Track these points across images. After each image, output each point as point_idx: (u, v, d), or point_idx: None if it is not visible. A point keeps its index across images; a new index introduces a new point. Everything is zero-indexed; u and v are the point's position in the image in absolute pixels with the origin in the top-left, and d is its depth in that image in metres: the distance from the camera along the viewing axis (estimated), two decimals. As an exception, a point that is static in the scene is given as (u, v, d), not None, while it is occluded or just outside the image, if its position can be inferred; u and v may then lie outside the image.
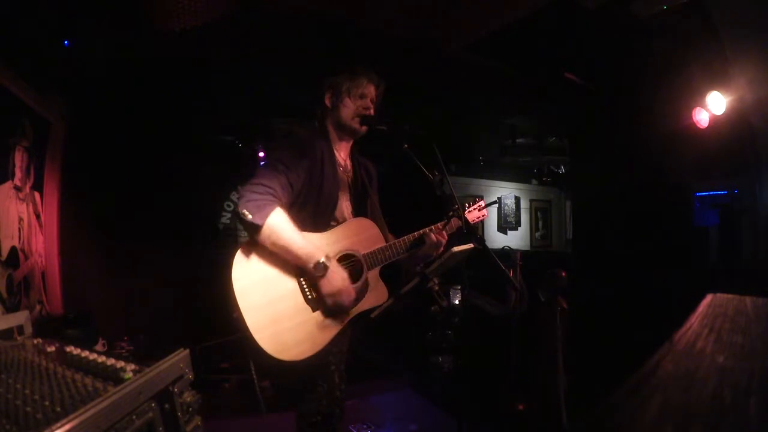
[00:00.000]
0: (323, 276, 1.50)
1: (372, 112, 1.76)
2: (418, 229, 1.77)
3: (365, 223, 1.75)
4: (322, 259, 1.49)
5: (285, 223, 1.48)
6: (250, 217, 1.42)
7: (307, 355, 1.47)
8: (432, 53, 3.25)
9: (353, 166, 1.85)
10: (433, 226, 1.78)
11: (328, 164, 1.68)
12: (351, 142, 1.84)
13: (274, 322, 1.45)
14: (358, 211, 1.80)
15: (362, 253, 1.66)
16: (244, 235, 4.36)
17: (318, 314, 1.53)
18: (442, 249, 1.76)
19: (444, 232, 1.78)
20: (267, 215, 1.44)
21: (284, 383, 2.72)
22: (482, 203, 2.03)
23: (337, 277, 1.53)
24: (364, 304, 1.65)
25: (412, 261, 1.80)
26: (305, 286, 1.54)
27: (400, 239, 1.75)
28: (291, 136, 1.66)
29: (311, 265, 1.48)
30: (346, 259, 1.64)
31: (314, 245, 1.53)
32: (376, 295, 1.69)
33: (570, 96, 3.88)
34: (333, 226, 1.67)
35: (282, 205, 1.50)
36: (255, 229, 1.44)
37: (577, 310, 2.92)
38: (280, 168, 1.54)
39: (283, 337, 1.45)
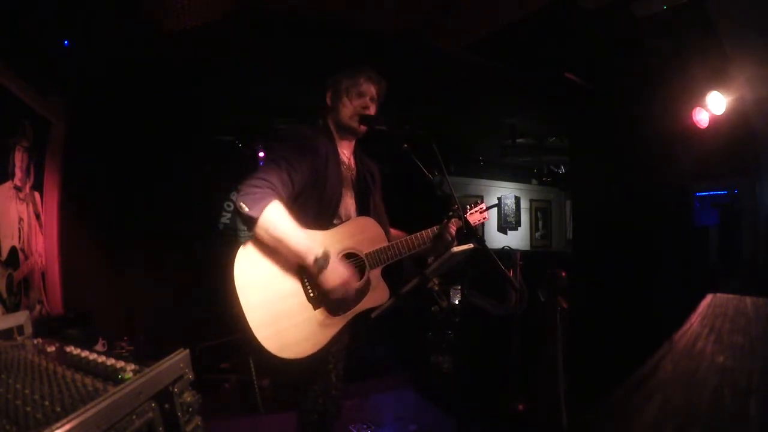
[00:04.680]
0: (322, 272, 1.48)
1: (372, 111, 1.77)
2: (418, 230, 1.77)
3: (368, 222, 1.75)
4: (321, 254, 1.47)
5: (282, 216, 1.46)
6: (246, 209, 1.42)
7: (308, 353, 1.47)
8: (432, 53, 3.25)
9: (356, 164, 1.85)
10: (429, 229, 1.78)
11: (331, 162, 1.68)
12: (354, 141, 1.84)
13: (276, 321, 1.44)
14: (362, 209, 1.80)
15: (365, 252, 1.66)
16: (243, 235, 4.37)
17: (319, 312, 1.53)
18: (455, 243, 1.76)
19: (453, 228, 1.78)
20: (263, 207, 1.43)
21: (283, 382, 2.72)
22: (483, 206, 2.02)
23: (337, 273, 1.50)
24: (366, 304, 1.65)
25: (424, 254, 1.80)
26: (307, 284, 1.53)
27: (405, 239, 1.75)
28: (295, 134, 1.66)
29: (310, 261, 1.46)
30: (349, 258, 1.64)
31: (314, 241, 1.51)
32: (378, 295, 1.69)
33: (570, 96, 3.88)
34: (336, 224, 1.66)
35: (281, 199, 1.48)
36: (251, 221, 1.43)
37: (577, 310, 2.92)
38: (282, 164, 1.54)
39: (285, 335, 1.44)
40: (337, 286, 1.50)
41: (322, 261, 1.47)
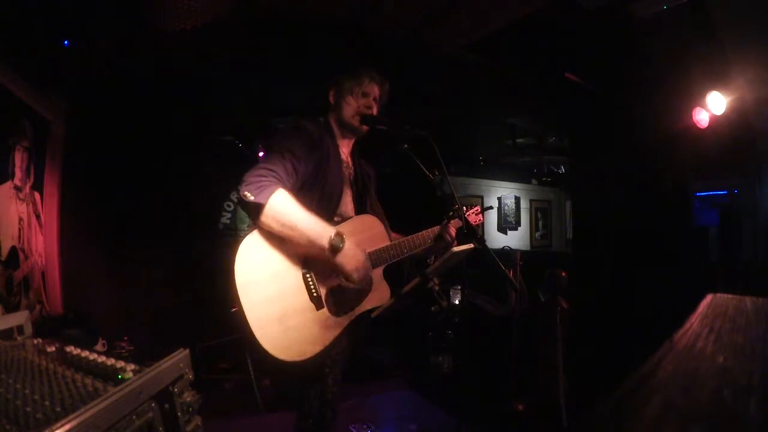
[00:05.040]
0: (341, 251, 1.44)
1: (374, 111, 1.76)
2: (419, 230, 1.78)
3: (370, 220, 1.74)
4: (335, 235, 1.43)
5: (290, 202, 1.42)
6: (251, 197, 1.37)
7: (308, 355, 1.45)
8: (432, 53, 3.26)
9: (354, 164, 1.85)
10: (430, 229, 1.79)
11: (333, 159, 1.67)
12: (353, 141, 1.84)
13: (277, 320, 1.42)
14: (360, 208, 1.80)
15: (368, 250, 1.64)
16: (244, 235, 4.38)
17: (322, 313, 1.51)
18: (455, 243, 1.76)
19: (453, 228, 1.79)
20: (270, 195, 1.39)
21: (283, 382, 2.72)
22: (478, 208, 2.06)
23: (355, 254, 1.49)
24: (368, 303, 1.64)
25: (424, 254, 1.80)
26: (310, 283, 1.50)
27: (406, 238, 1.74)
28: (299, 127, 1.64)
29: (325, 242, 1.42)
30: None
31: (323, 224, 1.48)
32: (379, 294, 1.67)
33: (570, 96, 3.88)
34: (337, 222, 1.65)
35: (286, 188, 1.45)
36: (257, 209, 1.39)
37: (577, 310, 2.92)
38: (286, 155, 1.51)
39: (286, 336, 1.42)
40: (357, 268, 1.48)
41: (338, 241, 1.43)
